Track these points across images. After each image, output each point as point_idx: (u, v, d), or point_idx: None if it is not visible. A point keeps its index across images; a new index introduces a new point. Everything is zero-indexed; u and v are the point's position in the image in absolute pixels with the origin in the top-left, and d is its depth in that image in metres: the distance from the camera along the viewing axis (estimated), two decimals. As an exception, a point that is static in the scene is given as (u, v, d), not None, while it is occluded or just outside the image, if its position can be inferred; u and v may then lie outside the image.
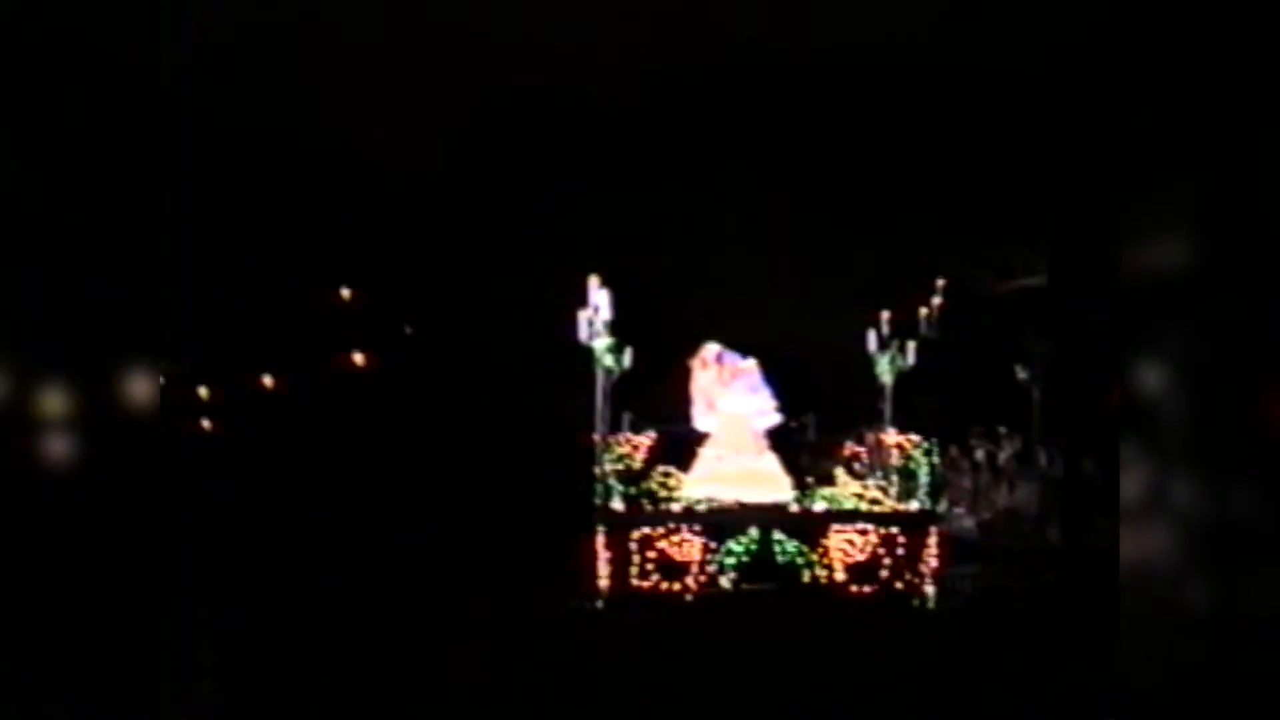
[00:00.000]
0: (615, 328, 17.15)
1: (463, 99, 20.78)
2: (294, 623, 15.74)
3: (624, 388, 17.53)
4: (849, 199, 19.82)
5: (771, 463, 17.84)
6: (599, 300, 17.10)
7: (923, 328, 17.68)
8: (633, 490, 17.01)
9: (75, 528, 8.59)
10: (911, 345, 17.76)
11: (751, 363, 18.26)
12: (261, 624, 15.47)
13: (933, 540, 16.82)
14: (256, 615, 15.69)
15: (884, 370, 17.87)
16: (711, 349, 18.35)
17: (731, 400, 18.10)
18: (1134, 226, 9.14)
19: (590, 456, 17.13)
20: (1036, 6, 18.46)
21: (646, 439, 17.47)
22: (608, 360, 17.19)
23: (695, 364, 18.38)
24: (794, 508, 17.08)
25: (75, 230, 8.79)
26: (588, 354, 17.28)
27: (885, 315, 17.80)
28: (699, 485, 17.56)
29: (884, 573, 16.69)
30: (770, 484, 17.55)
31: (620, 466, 16.98)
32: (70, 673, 8.61)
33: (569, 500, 17.26)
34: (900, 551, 16.73)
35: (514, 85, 20.37)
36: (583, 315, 17.16)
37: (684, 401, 18.28)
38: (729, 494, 17.32)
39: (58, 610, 8.57)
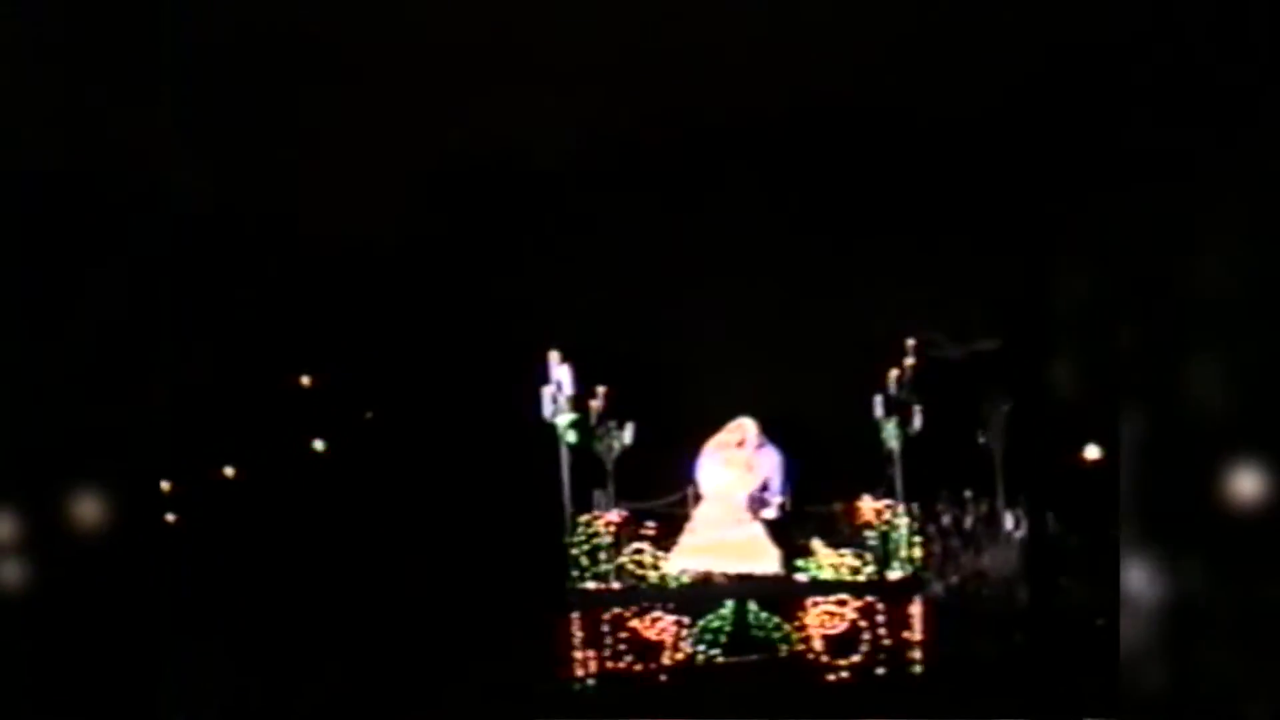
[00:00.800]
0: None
1: (415, 173, 19.71)
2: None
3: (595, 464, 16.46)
4: (806, 260, 18.79)
5: (756, 532, 16.68)
6: (560, 375, 16.04)
7: (892, 390, 16.66)
8: (602, 569, 15.88)
9: (31, 651, 8.22)
10: (918, 410, 16.68)
11: (776, 457, 17.17)
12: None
13: (917, 608, 15.69)
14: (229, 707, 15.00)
15: (890, 436, 16.72)
16: (750, 426, 17.24)
17: (738, 478, 16.98)
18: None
19: (560, 536, 16.00)
20: (990, 55, 17.55)
21: (616, 515, 16.35)
22: (570, 436, 16.09)
23: (730, 434, 17.27)
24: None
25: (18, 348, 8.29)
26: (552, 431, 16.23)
27: (893, 374, 16.77)
28: (682, 557, 16.53)
29: (864, 645, 15.58)
30: (755, 554, 16.50)
31: (588, 546, 15.87)
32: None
33: (539, 582, 16.17)
34: (881, 620, 15.61)
35: (467, 156, 19.31)
36: (546, 391, 16.23)
37: (672, 476, 17.09)
38: (712, 565, 16.36)
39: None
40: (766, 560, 16.36)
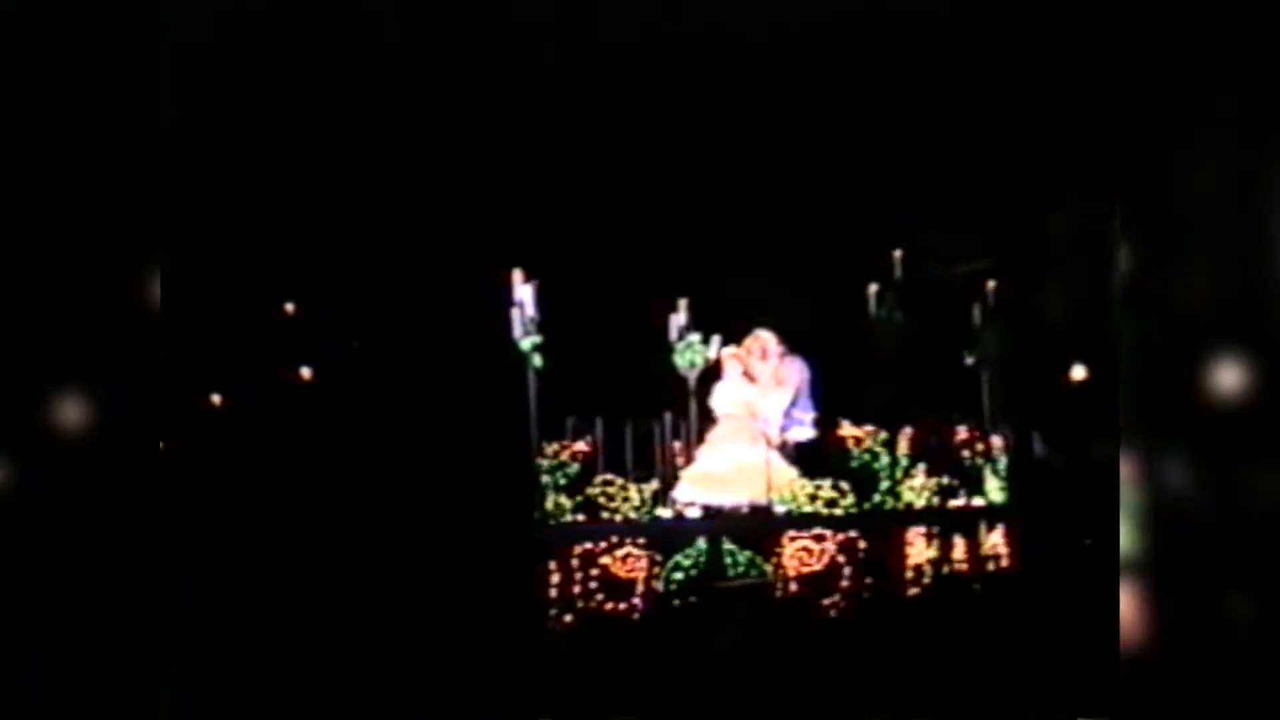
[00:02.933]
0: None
1: (394, 100, 17.23)
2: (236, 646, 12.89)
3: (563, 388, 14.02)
4: (794, 182, 16.24)
5: (763, 457, 14.17)
6: (524, 296, 13.59)
7: (873, 308, 14.15)
8: (573, 501, 13.46)
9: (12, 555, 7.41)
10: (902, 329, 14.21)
11: (803, 368, 14.67)
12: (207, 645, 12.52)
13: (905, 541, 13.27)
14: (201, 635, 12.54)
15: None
16: (771, 339, 14.79)
17: (766, 398, 14.52)
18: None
19: (528, 467, 13.56)
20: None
21: (584, 444, 13.85)
22: (537, 360, 13.65)
23: (751, 348, 14.84)
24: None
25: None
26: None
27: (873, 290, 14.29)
28: (683, 487, 14.18)
29: (845, 582, 13.09)
30: (760, 482, 13.95)
31: (557, 476, 13.43)
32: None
33: (509, 516, 14.05)
34: (862, 557, 13.14)
35: (449, 79, 16.78)
36: (515, 313, 13.95)
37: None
38: (712, 497, 14.01)
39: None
40: (784, 486, 13.97)
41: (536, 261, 14.27)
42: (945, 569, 14.07)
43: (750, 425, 14.46)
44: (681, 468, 14.33)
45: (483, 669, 12.37)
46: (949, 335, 16.49)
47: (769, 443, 14.31)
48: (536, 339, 14.00)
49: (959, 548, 14.17)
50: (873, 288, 14.21)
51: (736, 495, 14.02)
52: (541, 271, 14.16)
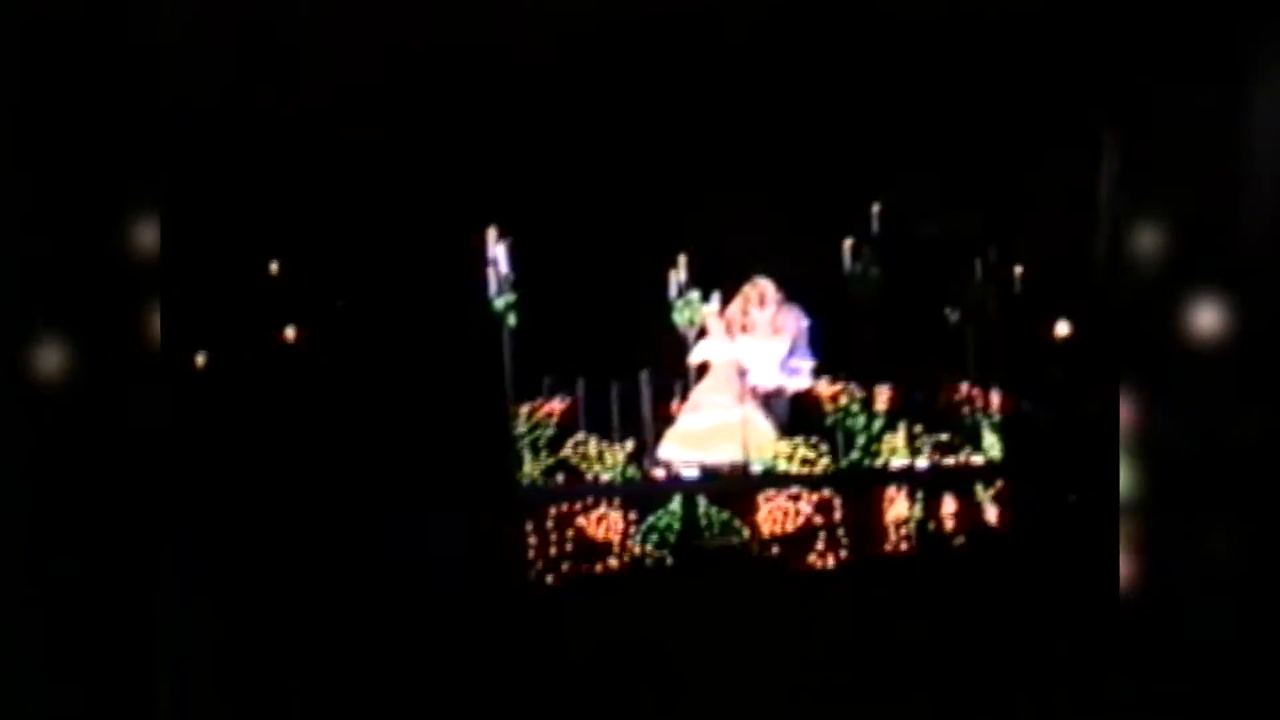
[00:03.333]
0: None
1: (377, 63, 16.68)
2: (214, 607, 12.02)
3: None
4: (777, 135, 15.72)
5: (752, 415, 13.82)
6: (498, 254, 13.18)
7: (848, 262, 13.73)
8: (546, 462, 13.07)
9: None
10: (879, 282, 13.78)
11: (800, 317, 14.28)
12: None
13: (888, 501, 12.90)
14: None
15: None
16: (770, 286, 14.39)
17: (763, 345, 14.10)
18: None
19: (503, 427, 13.17)
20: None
21: (559, 403, 13.46)
22: (511, 319, 13.25)
23: (749, 294, 14.45)
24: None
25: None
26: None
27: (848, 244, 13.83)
28: (666, 446, 13.89)
29: (820, 543, 12.71)
30: (740, 441, 13.57)
31: (532, 436, 13.05)
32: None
33: (485, 476, 13.59)
34: (840, 516, 12.75)
35: (429, 40, 16.25)
36: (491, 272, 13.61)
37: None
38: (694, 456, 13.68)
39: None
40: (763, 445, 13.55)
41: (513, 219, 13.87)
42: (931, 526, 13.67)
43: (733, 383, 14.09)
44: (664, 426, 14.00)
45: (460, 632, 11.90)
46: (930, 291, 16.14)
47: (753, 397, 13.94)
48: (510, 297, 13.58)
49: (949, 506, 13.76)
50: (847, 242, 13.74)
51: (717, 454, 13.66)
52: (519, 229, 13.76)
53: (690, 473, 13.54)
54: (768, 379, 14.30)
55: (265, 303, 19.99)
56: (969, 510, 13.74)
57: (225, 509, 15.49)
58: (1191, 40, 7.33)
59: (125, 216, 7.28)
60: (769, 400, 14.19)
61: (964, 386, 14.45)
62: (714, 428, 13.79)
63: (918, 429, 13.86)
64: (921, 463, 13.66)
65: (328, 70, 16.46)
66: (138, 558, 7.35)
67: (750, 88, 15.27)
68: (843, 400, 13.46)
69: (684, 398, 14.33)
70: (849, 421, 13.37)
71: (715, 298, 14.37)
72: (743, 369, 14.26)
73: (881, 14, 15.76)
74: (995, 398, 14.58)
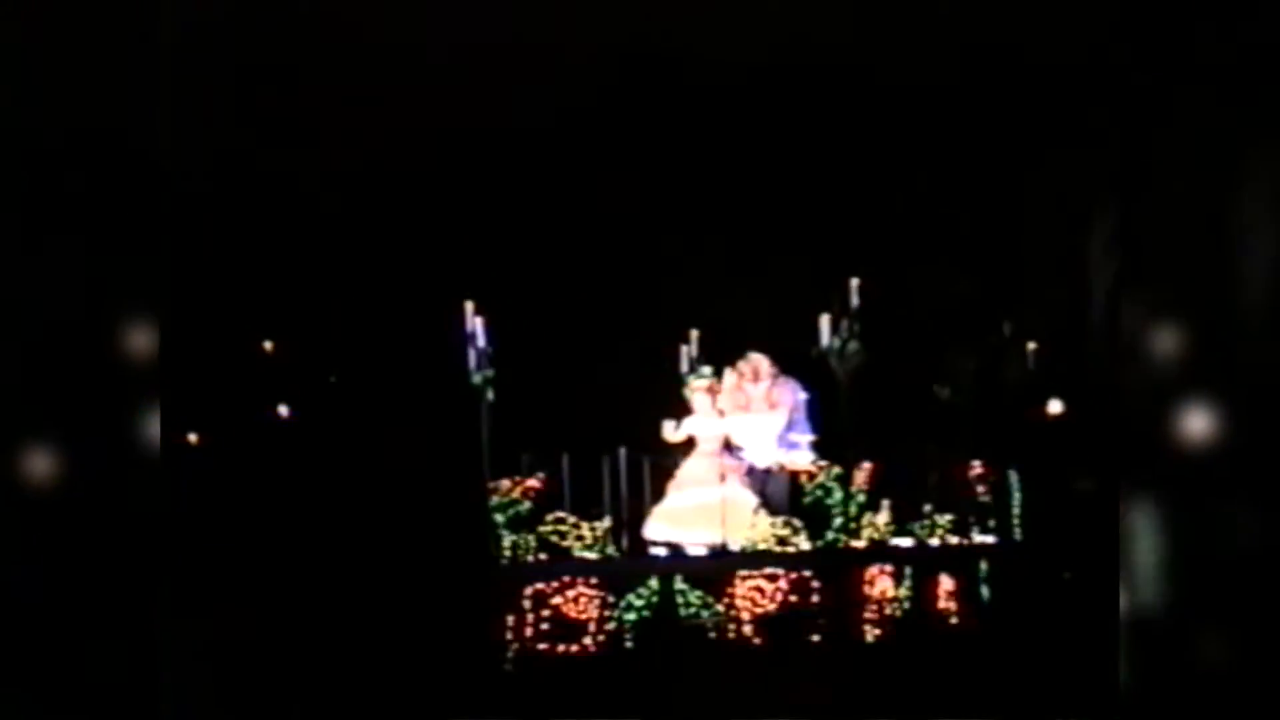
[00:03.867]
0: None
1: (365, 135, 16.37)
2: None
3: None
4: (755, 207, 15.38)
5: (732, 494, 13.38)
6: (474, 327, 12.86)
7: (825, 339, 13.32)
8: (525, 540, 12.66)
9: None
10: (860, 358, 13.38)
11: (796, 390, 13.89)
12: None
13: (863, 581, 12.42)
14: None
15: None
16: (764, 361, 13.96)
17: (752, 422, 13.75)
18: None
19: (481, 504, 12.81)
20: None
21: (536, 481, 13.06)
22: (490, 394, 12.89)
23: (743, 370, 14.04)
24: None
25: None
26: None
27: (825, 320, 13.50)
28: (652, 525, 13.53)
29: (814, 622, 12.27)
30: (723, 520, 13.14)
31: (508, 513, 12.64)
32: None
33: (463, 554, 13.21)
34: (820, 596, 12.29)
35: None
36: (472, 348, 13.26)
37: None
38: (677, 535, 13.28)
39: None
40: (741, 525, 13.09)
41: (492, 293, 13.54)
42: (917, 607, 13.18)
43: (719, 461, 13.70)
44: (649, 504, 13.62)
45: (437, 708, 11.67)
46: (915, 366, 15.76)
47: (743, 475, 13.55)
48: (489, 373, 13.24)
49: (935, 586, 13.26)
50: (824, 317, 13.36)
51: (698, 534, 13.24)
52: (497, 304, 13.44)
53: (661, 551, 13.14)
54: (764, 456, 13.86)
55: (255, 382, 19.63)
56: (957, 590, 13.23)
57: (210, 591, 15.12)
58: (1181, 122, 7.24)
59: (122, 319, 7.24)
60: (765, 479, 13.74)
61: (976, 465, 13.95)
62: (698, 507, 13.38)
63: (927, 508, 13.46)
64: (905, 541, 13.17)
65: (312, 149, 16.12)
66: (134, 647, 7.30)
67: (735, 158, 14.95)
68: (820, 478, 13.01)
69: (669, 475, 13.93)
70: (827, 500, 12.91)
71: (705, 371, 13.99)
72: (730, 444, 13.85)
73: (867, 85, 15.48)
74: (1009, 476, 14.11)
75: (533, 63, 14.78)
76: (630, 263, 15.03)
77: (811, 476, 13.11)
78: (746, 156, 14.99)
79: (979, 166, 16.33)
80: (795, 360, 14.12)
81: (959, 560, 13.50)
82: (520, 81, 14.37)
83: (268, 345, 20.04)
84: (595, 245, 15.07)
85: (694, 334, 14.01)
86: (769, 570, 12.54)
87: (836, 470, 13.03)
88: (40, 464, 7.09)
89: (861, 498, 13.06)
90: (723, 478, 13.52)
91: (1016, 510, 14.06)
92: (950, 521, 13.56)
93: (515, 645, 12.71)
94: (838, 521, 12.81)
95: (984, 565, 13.58)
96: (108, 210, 7.32)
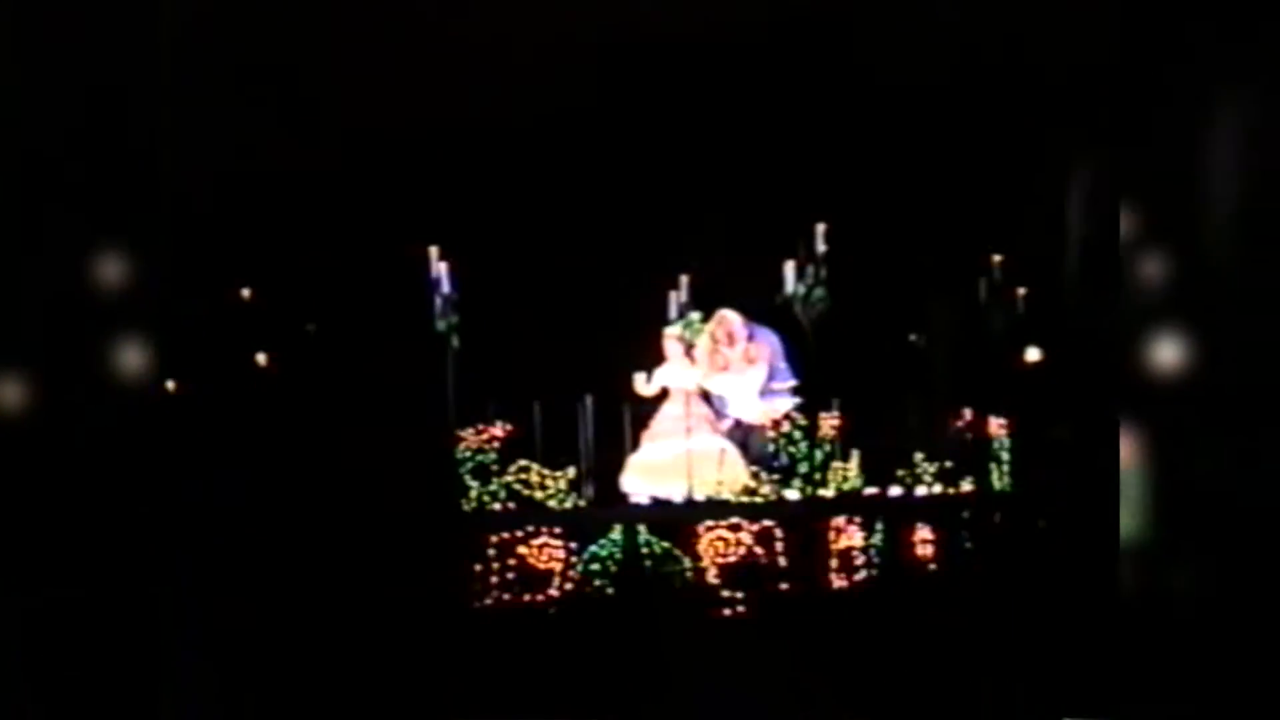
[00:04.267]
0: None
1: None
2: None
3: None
4: (726, 151, 14.97)
5: (705, 446, 13.06)
6: (440, 273, 12.54)
7: (789, 284, 13.00)
8: (490, 488, 12.38)
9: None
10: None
11: (773, 339, 13.52)
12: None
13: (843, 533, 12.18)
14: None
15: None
16: (736, 321, 13.64)
17: (734, 382, 13.47)
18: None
19: (449, 454, 12.52)
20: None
21: (500, 429, 12.77)
22: (455, 341, 12.59)
23: (716, 334, 13.69)
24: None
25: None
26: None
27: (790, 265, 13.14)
28: (628, 478, 13.30)
29: (768, 572, 12.00)
30: (704, 472, 12.86)
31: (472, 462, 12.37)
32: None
33: (428, 504, 12.91)
34: (782, 547, 12.02)
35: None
36: (439, 295, 13.09)
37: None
38: (656, 489, 13.01)
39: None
40: (736, 476, 12.81)
41: (459, 239, 13.23)
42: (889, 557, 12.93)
43: (694, 411, 13.42)
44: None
45: (406, 661, 11.47)
46: (893, 313, 15.43)
47: (727, 429, 13.30)
48: (453, 319, 12.94)
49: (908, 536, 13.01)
50: (789, 264, 13.03)
51: (679, 487, 12.96)
52: (466, 249, 13.13)
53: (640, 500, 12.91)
54: (751, 411, 13.57)
55: (230, 329, 19.28)
56: (936, 541, 12.97)
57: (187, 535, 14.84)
58: (1152, 71, 7.21)
59: (92, 250, 7.26)
60: (747, 433, 13.47)
61: (966, 413, 13.79)
62: (678, 458, 13.09)
63: (918, 456, 13.25)
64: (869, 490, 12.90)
65: (287, 103, 15.66)
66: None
67: (706, 105, 14.56)
68: (784, 427, 12.73)
69: (641, 424, 13.64)
70: (790, 449, 12.63)
71: (694, 317, 13.70)
72: (705, 394, 13.57)
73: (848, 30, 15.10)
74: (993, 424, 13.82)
75: (504, 12, 14.39)
76: (598, 207, 14.64)
77: (776, 426, 12.81)
78: (718, 103, 14.60)
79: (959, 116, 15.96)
80: (765, 308, 13.85)
81: (934, 511, 13.23)
82: (490, 30, 13.98)
83: (245, 293, 19.76)
84: (563, 190, 14.69)
85: (684, 280, 13.73)
86: (733, 521, 12.23)
87: (800, 420, 12.73)
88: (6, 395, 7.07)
89: (828, 448, 12.77)
90: (698, 428, 13.26)
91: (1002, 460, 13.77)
92: (935, 470, 13.27)
93: (480, 595, 12.42)
94: (802, 470, 12.52)
95: (965, 515, 13.29)
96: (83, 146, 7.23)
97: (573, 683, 10.91)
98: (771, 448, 13.18)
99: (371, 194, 14.72)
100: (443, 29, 14.36)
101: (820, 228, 12.86)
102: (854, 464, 12.93)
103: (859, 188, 14.64)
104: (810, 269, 12.92)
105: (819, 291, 12.74)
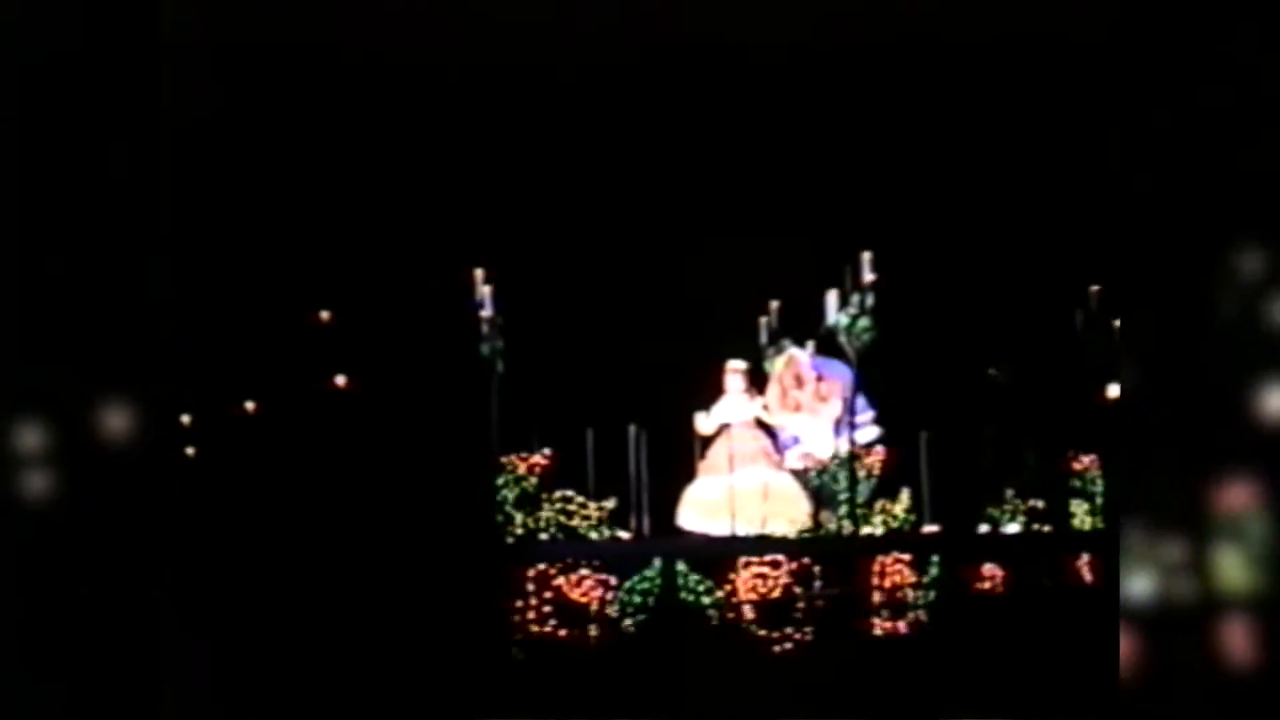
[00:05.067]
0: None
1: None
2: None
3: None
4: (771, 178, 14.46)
5: (753, 479, 12.64)
6: (483, 296, 12.15)
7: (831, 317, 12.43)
8: (531, 519, 11.95)
9: (59, 564, 7.31)
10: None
11: (844, 373, 13.04)
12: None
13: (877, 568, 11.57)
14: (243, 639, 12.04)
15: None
16: (802, 359, 13.26)
17: (809, 422, 13.08)
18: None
19: (490, 482, 12.11)
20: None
21: (542, 457, 12.32)
22: (499, 366, 12.19)
23: (784, 377, 13.30)
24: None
25: (48, 257, 7.35)
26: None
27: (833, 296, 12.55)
28: (684, 513, 12.91)
29: (798, 614, 11.41)
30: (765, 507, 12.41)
31: (514, 490, 11.95)
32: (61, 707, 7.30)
33: (470, 533, 12.52)
34: (818, 586, 11.44)
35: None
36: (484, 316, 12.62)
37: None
38: (712, 525, 12.58)
39: (48, 643, 7.32)
40: (797, 512, 12.31)
41: (502, 261, 12.83)
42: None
43: (753, 445, 12.92)
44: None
45: (443, 688, 11.16)
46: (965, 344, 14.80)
47: (768, 460, 12.79)
48: (498, 344, 12.53)
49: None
50: (832, 294, 12.45)
51: (743, 521, 12.46)
52: (508, 271, 12.72)
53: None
54: (826, 448, 13.03)
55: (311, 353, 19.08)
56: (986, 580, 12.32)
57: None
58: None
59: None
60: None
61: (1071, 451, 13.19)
62: (735, 494, 12.59)
63: (1009, 494, 12.75)
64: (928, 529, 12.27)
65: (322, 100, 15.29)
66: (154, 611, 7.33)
67: (755, 130, 14.04)
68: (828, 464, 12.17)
69: (702, 455, 13.16)
70: (830, 485, 12.05)
71: (785, 344, 13.23)
72: (765, 426, 13.08)
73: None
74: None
75: (545, 21, 13.96)
76: (641, 233, 14.18)
77: (821, 464, 12.27)
78: (766, 127, 14.07)
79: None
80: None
81: (1004, 549, 12.57)
82: (534, 42, 13.55)
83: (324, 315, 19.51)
84: (613, 214, 14.24)
85: (774, 305, 13.27)
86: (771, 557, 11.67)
87: (842, 456, 12.16)
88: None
89: (873, 483, 12.18)
90: (755, 462, 12.77)
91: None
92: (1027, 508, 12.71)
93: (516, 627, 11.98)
94: (843, 510, 11.92)
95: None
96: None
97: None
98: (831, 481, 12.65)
99: (414, 214, 14.37)
100: (481, 39, 13.99)
101: (866, 255, 12.25)
102: (904, 500, 12.31)
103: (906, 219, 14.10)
104: (856, 298, 12.32)
105: (864, 321, 12.14)
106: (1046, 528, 12.86)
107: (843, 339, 12.27)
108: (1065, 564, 12.75)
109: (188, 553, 13.28)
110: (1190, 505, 9.55)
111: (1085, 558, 12.63)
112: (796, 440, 13.19)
